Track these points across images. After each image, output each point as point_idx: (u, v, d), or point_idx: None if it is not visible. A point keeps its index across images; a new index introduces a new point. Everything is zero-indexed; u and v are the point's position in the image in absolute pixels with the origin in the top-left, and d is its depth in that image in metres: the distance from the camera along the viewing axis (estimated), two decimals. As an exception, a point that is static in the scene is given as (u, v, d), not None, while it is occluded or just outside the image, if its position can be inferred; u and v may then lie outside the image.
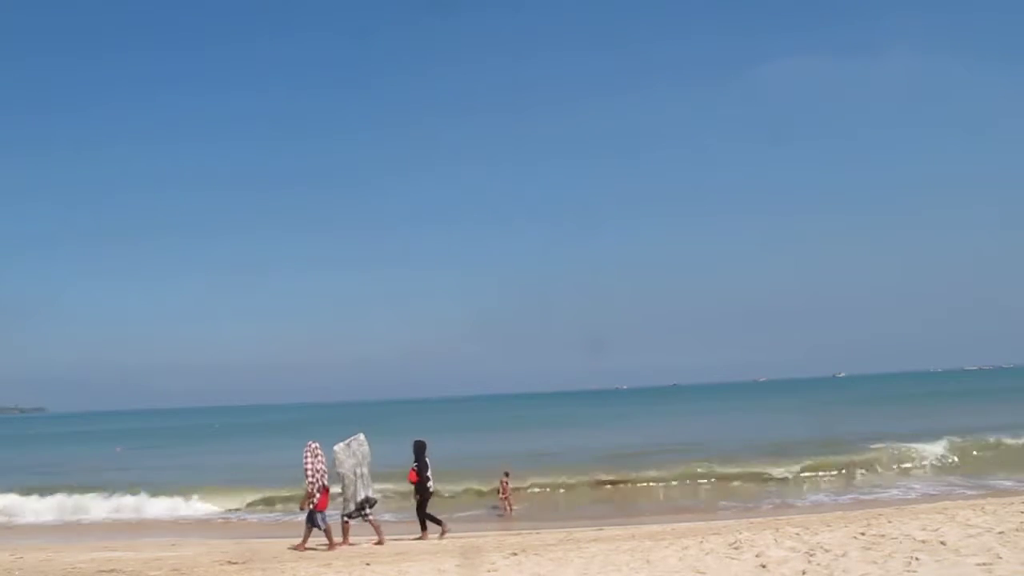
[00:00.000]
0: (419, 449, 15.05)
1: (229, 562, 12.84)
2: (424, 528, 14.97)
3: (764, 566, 9.20)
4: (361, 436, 14.59)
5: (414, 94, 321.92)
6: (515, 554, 11.70)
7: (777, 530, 12.05)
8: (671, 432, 43.09)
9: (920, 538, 10.01)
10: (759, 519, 16.13)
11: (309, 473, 13.86)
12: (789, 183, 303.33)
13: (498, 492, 20.46)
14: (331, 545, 14.00)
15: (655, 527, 16.14)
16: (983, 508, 12.84)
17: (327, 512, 14.13)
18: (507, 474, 20.61)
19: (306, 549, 13.98)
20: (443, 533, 14.90)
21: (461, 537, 15.73)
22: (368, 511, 14.42)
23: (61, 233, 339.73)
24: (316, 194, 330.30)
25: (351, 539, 14.44)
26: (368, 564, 11.67)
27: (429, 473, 14.92)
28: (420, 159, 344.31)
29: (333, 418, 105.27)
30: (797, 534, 11.33)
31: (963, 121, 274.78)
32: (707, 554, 10.37)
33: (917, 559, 8.71)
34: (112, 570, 12.37)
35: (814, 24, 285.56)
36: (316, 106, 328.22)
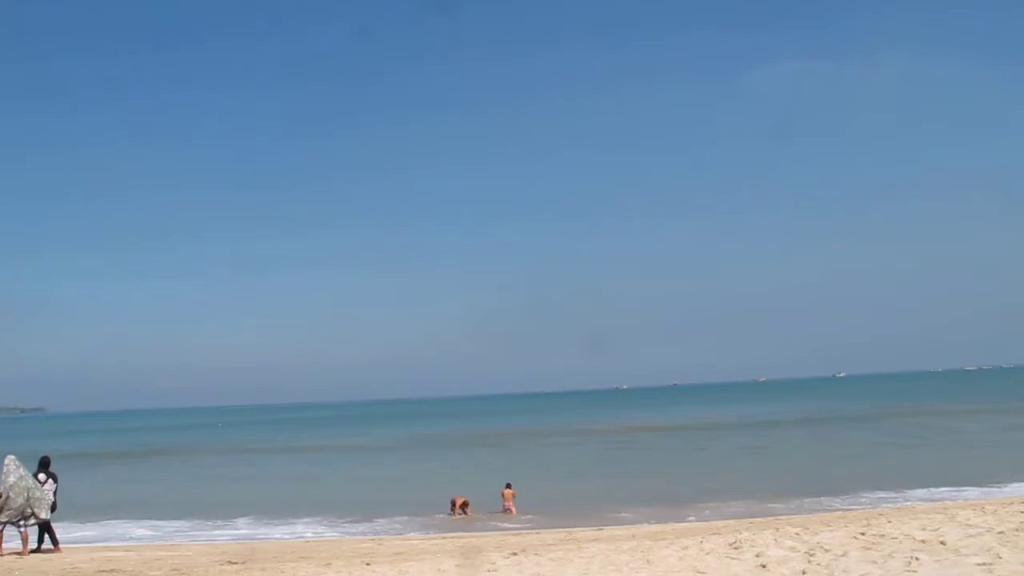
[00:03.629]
0: (40, 466, 15.00)
1: (229, 562, 12.83)
2: (54, 542, 14.80)
3: (764, 566, 9.20)
4: (11, 457, 14.60)
5: (415, 93, 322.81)
6: (515, 554, 11.70)
7: (777, 530, 12.04)
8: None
9: (920, 538, 10.00)
10: (759, 519, 16.13)
11: None
12: (789, 183, 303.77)
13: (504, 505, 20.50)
14: None
15: (655, 527, 16.15)
16: (983, 508, 12.82)
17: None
18: (508, 485, 20.70)
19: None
20: (22, 552, 14.40)
21: (461, 537, 15.74)
22: (23, 524, 14.31)
23: (61, 233, 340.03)
24: (316, 194, 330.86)
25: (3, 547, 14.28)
26: (368, 564, 11.67)
27: (46, 488, 14.64)
28: (421, 158, 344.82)
29: (333, 418, 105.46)
30: (797, 534, 11.32)
31: (961, 121, 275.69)
32: (707, 554, 10.37)
33: (917, 559, 8.70)
34: (112, 570, 12.36)
35: (808, 27, 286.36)
36: (317, 105, 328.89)
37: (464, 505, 20.38)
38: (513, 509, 20.40)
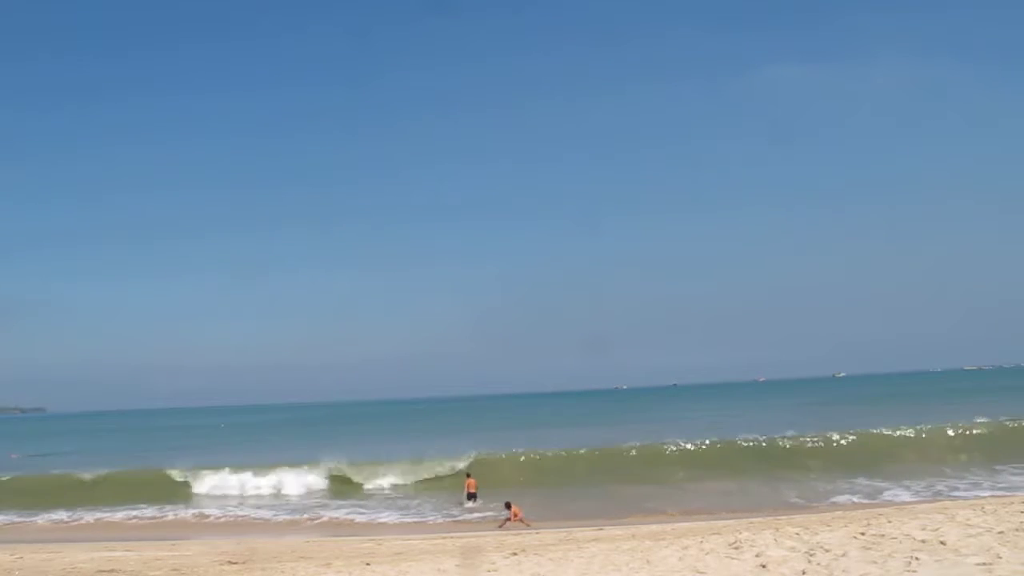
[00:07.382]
0: None
1: (229, 562, 12.83)
2: None
3: (764, 566, 9.20)
4: None
5: (414, 92, 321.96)
6: (515, 554, 11.70)
7: (777, 530, 12.04)
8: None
9: (920, 538, 10.00)
10: (759, 519, 16.12)
11: None
12: (788, 183, 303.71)
13: (509, 519, 20.41)
14: None
15: (655, 527, 16.14)
16: (983, 508, 12.81)
17: None
18: (508, 505, 20.48)
19: None
20: None
21: (461, 537, 15.73)
22: None
23: (61, 233, 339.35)
24: (316, 193, 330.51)
25: None
26: (368, 564, 11.67)
27: None
28: (420, 158, 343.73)
29: (333, 418, 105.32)
30: (797, 534, 11.32)
31: (959, 121, 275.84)
32: (707, 554, 10.36)
33: (917, 559, 8.70)
34: (112, 570, 12.36)
35: (806, 29, 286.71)
36: (316, 105, 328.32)
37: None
38: (526, 521, 20.25)
